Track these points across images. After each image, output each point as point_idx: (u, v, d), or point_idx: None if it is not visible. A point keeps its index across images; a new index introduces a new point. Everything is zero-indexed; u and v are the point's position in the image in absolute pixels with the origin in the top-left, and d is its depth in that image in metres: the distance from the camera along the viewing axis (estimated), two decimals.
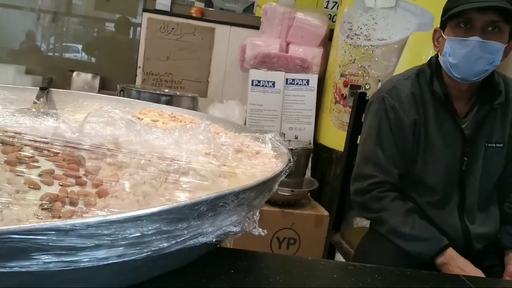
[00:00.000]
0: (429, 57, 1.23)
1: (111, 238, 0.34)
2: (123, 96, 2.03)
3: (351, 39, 2.28)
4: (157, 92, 2.18)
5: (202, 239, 0.45)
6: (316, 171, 2.56)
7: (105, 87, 2.89)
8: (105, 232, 0.34)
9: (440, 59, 1.14)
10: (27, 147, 0.49)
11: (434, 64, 1.18)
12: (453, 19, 1.08)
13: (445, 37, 1.10)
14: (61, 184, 0.44)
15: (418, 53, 2.05)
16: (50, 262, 0.32)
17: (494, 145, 1.16)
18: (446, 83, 1.15)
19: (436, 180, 1.15)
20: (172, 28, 2.77)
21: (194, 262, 0.55)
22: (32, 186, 0.42)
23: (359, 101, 1.47)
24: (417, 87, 1.17)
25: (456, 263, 1.05)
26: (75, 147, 0.50)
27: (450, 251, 1.07)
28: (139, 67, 2.77)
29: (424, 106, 1.16)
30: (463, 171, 1.15)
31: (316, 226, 2.06)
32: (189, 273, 0.54)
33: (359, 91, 1.58)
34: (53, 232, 0.31)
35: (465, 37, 1.06)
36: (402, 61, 2.11)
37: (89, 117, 0.52)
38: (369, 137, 1.22)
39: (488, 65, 1.08)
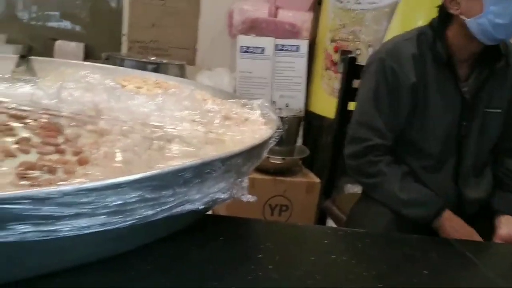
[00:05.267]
0: (430, 19, 1.16)
1: (91, 207, 0.33)
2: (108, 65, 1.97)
3: (341, 2, 2.22)
4: (143, 60, 2.12)
5: (189, 206, 0.44)
6: (308, 139, 2.56)
7: (89, 56, 2.81)
8: (84, 200, 0.32)
9: (471, 21, 1.04)
10: (2, 114, 0.46)
11: (436, 26, 1.13)
12: None
13: None
14: (39, 152, 0.42)
15: (409, 17, 2.01)
16: (28, 232, 0.31)
17: (492, 110, 1.14)
18: (450, 45, 1.11)
19: (433, 144, 1.14)
20: None
21: (184, 230, 0.54)
22: (8, 155, 0.40)
23: (349, 66, 1.45)
24: (418, 48, 1.13)
25: (451, 223, 1.06)
26: (53, 114, 0.47)
27: (447, 214, 1.08)
28: (124, 35, 2.69)
29: (424, 68, 1.12)
30: (461, 135, 1.14)
31: (308, 192, 2.07)
32: (178, 241, 0.53)
33: (349, 55, 1.55)
34: (28, 201, 0.29)
35: None
36: (393, 25, 2.06)
37: (65, 83, 0.49)
38: (366, 99, 1.18)
39: None
